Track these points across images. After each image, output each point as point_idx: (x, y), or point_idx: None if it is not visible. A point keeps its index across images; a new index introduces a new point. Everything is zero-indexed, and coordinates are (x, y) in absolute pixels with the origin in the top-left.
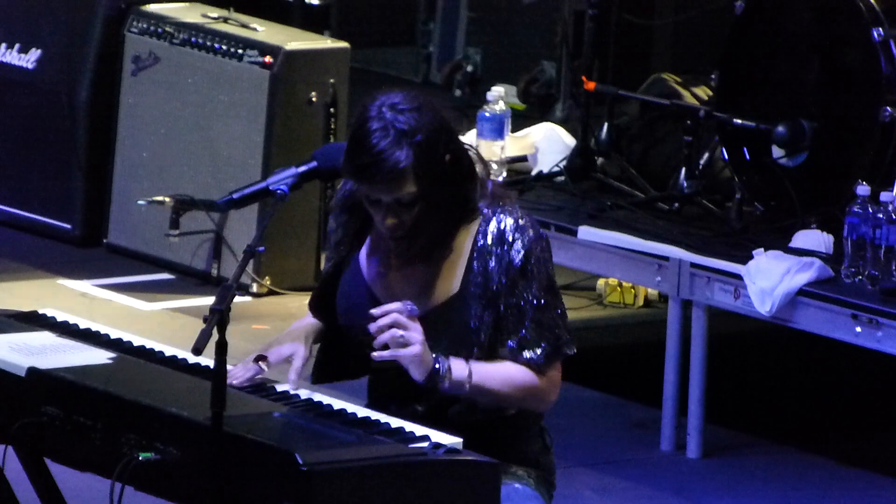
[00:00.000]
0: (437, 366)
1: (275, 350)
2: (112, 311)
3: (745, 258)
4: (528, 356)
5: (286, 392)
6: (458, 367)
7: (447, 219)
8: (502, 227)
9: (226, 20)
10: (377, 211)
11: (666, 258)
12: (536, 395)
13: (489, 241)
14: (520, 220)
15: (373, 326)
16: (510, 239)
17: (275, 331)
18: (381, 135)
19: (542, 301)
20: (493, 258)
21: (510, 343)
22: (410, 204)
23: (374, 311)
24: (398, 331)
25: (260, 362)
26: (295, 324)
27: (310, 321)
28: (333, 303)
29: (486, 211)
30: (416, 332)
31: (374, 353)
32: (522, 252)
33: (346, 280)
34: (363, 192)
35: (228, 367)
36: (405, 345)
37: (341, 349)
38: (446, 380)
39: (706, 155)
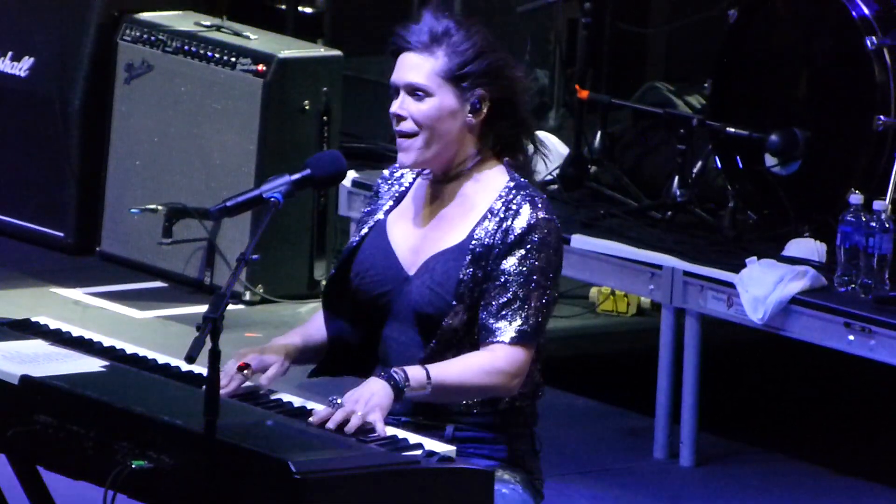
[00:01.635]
0: (395, 380)
1: (256, 358)
2: (105, 319)
3: (738, 266)
4: (499, 327)
5: (279, 400)
6: (414, 372)
7: (452, 146)
8: (516, 196)
9: (219, 28)
10: (393, 104)
11: (659, 266)
12: (499, 378)
13: (501, 206)
14: (537, 199)
15: (331, 426)
16: (516, 208)
17: (268, 339)
18: (433, 24)
19: (533, 279)
20: (497, 220)
21: (489, 308)
22: (419, 97)
23: (312, 421)
24: (353, 424)
25: (243, 371)
26: (275, 339)
27: (290, 339)
28: (348, 278)
29: (513, 182)
30: (350, 405)
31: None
32: (526, 225)
33: (366, 241)
34: (392, 77)
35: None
36: (366, 421)
37: (348, 346)
38: (407, 388)
39: (699, 163)
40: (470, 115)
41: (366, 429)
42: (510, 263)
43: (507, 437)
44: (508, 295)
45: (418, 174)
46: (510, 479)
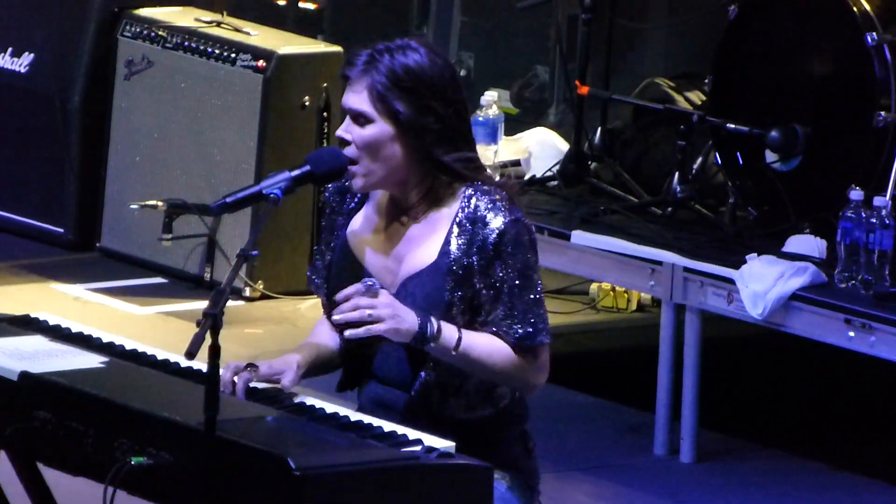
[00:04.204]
0: (425, 328)
1: (265, 363)
2: (105, 315)
3: (738, 263)
4: (500, 337)
5: (279, 396)
6: (448, 331)
7: (400, 169)
8: (477, 204)
9: (219, 24)
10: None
11: (659, 262)
12: (522, 373)
13: (465, 217)
14: (498, 202)
15: (336, 314)
16: (484, 216)
17: (268, 335)
18: (374, 49)
19: (517, 284)
20: (466, 234)
21: (486, 323)
22: (361, 123)
23: (337, 297)
24: (364, 311)
25: (249, 370)
26: (289, 353)
27: (302, 353)
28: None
29: (469, 190)
30: (382, 307)
31: (347, 332)
32: (496, 232)
33: (335, 258)
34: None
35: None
36: (375, 321)
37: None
38: (434, 341)
39: (699, 159)
40: (414, 140)
41: (366, 320)
42: (493, 276)
43: (494, 444)
44: (501, 308)
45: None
46: (497, 478)
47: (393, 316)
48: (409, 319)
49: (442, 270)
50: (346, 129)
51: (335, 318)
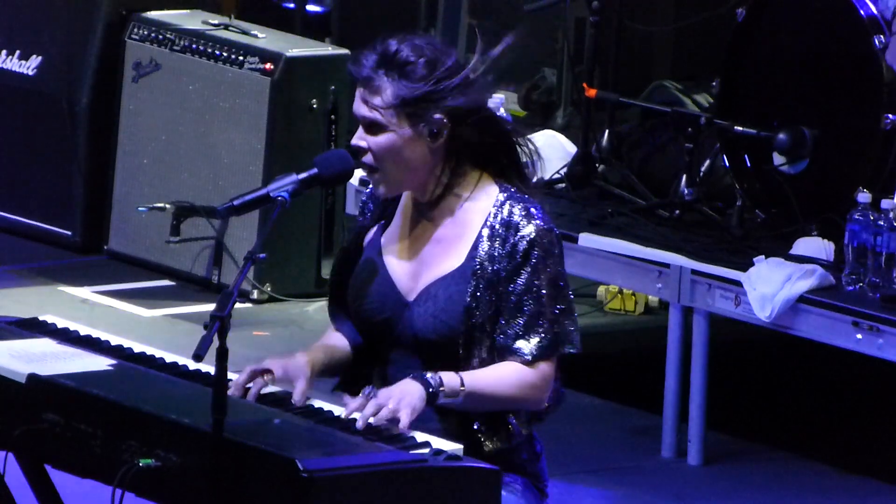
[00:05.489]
0: (427, 382)
1: (279, 366)
2: (112, 317)
3: (745, 265)
4: (519, 346)
5: (286, 398)
6: (449, 378)
7: (420, 171)
8: (512, 210)
9: (226, 27)
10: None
11: (667, 265)
12: (530, 392)
13: (497, 223)
14: (531, 209)
15: (360, 425)
16: (517, 223)
17: (275, 337)
18: (381, 52)
19: (543, 293)
20: (499, 241)
21: (507, 330)
22: (375, 130)
23: (343, 416)
24: (382, 415)
25: (265, 376)
26: (298, 353)
27: (314, 353)
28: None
29: (502, 195)
30: (384, 405)
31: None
32: (527, 240)
33: (360, 263)
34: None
35: (232, 377)
36: (396, 418)
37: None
38: (441, 394)
39: (707, 162)
40: (429, 139)
41: (391, 426)
42: (519, 283)
43: (503, 452)
44: (524, 315)
45: None
46: (507, 483)
47: (399, 401)
48: (411, 390)
49: (467, 274)
50: (361, 138)
51: (359, 426)
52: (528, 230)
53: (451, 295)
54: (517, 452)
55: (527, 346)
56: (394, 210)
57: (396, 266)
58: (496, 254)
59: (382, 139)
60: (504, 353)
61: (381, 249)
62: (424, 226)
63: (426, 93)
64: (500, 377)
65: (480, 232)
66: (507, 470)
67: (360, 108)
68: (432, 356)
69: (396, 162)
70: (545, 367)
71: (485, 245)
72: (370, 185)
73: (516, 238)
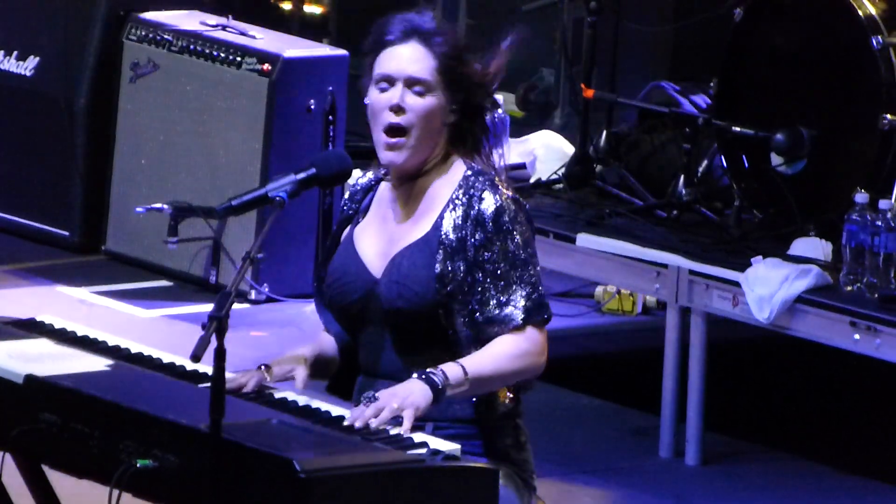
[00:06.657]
0: (432, 378)
1: (277, 363)
2: (110, 318)
3: (743, 265)
4: (508, 313)
5: (284, 399)
6: (452, 370)
7: (431, 145)
8: (475, 183)
9: (224, 28)
10: (385, 95)
11: (664, 265)
12: (529, 359)
13: (462, 193)
14: (497, 183)
15: (359, 425)
16: (479, 194)
17: (273, 338)
18: (423, 21)
19: (521, 257)
20: (462, 209)
21: (489, 301)
22: (419, 92)
23: (346, 424)
24: (383, 416)
25: (263, 370)
26: (286, 352)
27: (302, 351)
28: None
29: (471, 171)
30: (387, 405)
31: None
32: (494, 209)
33: (336, 254)
34: (378, 72)
35: (230, 374)
36: (399, 417)
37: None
38: (448, 387)
39: (705, 162)
40: (451, 114)
41: (395, 425)
42: (493, 252)
43: (485, 431)
44: (503, 282)
45: (377, 181)
46: None
47: (402, 400)
48: (415, 388)
49: (432, 243)
50: (403, 98)
51: (373, 426)
52: (493, 199)
53: (414, 262)
54: (500, 432)
55: (515, 311)
56: (369, 204)
57: (367, 248)
58: (460, 222)
59: (425, 101)
60: (492, 326)
61: (354, 238)
62: (397, 206)
63: (467, 70)
64: (499, 354)
65: (446, 204)
66: (489, 453)
67: (407, 67)
68: (405, 328)
69: (429, 128)
70: (536, 333)
71: (449, 216)
72: (354, 183)
73: (480, 207)
